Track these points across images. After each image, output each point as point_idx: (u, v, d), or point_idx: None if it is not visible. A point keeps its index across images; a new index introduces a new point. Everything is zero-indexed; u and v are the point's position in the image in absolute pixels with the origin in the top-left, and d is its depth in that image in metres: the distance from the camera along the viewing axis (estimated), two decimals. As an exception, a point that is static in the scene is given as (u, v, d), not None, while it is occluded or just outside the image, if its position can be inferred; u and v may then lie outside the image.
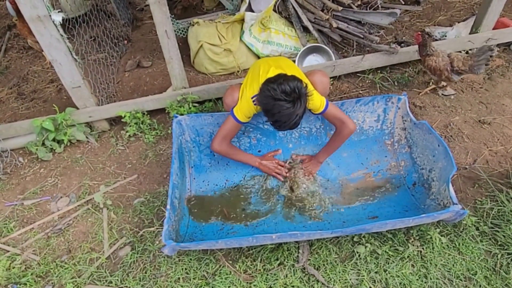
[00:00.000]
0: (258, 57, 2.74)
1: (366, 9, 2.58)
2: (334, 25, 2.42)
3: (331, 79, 2.46)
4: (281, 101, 1.41)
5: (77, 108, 2.18)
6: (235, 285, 1.51)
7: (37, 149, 2.14)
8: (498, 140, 2.03)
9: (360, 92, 2.41)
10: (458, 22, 2.78)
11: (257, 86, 1.57)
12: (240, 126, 1.76)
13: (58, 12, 1.78)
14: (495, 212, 1.66)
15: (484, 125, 2.11)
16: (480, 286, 1.45)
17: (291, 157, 1.95)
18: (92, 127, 2.31)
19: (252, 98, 1.63)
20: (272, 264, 1.56)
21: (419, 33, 2.13)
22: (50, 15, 1.75)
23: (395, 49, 2.33)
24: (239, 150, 1.88)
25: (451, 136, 2.07)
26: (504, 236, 1.58)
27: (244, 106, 1.67)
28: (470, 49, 2.48)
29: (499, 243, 1.57)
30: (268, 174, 1.88)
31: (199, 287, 1.51)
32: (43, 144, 2.16)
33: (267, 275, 1.53)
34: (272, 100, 1.43)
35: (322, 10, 2.49)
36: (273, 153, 1.95)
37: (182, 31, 2.87)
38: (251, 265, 1.57)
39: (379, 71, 2.49)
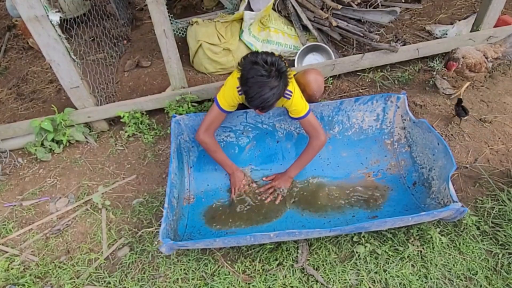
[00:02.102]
0: (258, 56, 2.72)
1: (366, 7, 2.57)
2: (334, 23, 2.41)
3: (331, 78, 2.45)
4: (258, 66, 1.42)
5: (76, 109, 2.18)
6: (234, 285, 1.50)
7: (36, 149, 2.13)
8: (499, 138, 2.01)
9: (360, 91, 2.40)
10: (459, 20, 2.76)
11: None
12: (224, 115, 1.72)
13: (56, 12, 1.78)
14: (496, 211, 1.65)
15: (485, 124, 2.10)
16: (480, 286, 1.44)
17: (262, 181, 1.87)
18: (91, 127, 2.30)
19: (237, 87, 1.61)
20: (271, 265, 1.55)
21: (452, 63, 2.09)
22: (47, 15, 1.75)
23: (395, 48, 2.31)
24: (221, 151, 1.81)
25: (451, 135, 2.06)
26: (505, 235, 1.56)
27: (228, 94, 1.66)
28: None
29: (500, 242, 1.55)
30: (232, 186, 1.81)
31: (198, 287, 1.51)
32: (42, 144, 2.16)
33: (266, 275, 1.52)
34: (250, 64, 1.44)
35: (322, 9, 2.47)
36: (249, 181, 1.86)
37: (181, 30, 2.86)
38: (250, 265, 1.56)
39: (379, 70, 2.48)
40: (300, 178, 1.89)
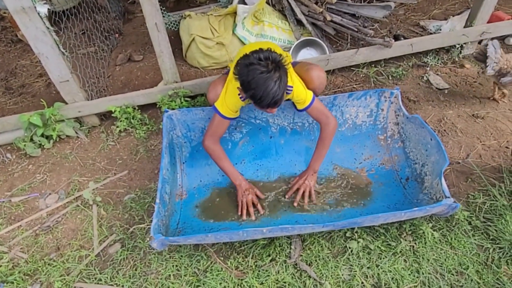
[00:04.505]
0: (251, 51, 2.69)
1: (361, 2, 2.55)
2: (328, 18, 2.39)
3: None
4: (255, 65, 1.38)
5: (66, 103, 2.14)
6: (226, 281, 1.49)
7: (25, 145, 2.09)
8: (491, 134, 2.02)
9: (354, 86, 2.39)
10: (453, 16, 2.77)
11: None
12: (228, 122, 1.69)
13: (44, 3, 1.73)
14: (487, 206, 1.66)
15: (477, 120, 2.11)
16: (471, 280, 1.45)
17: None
18: (81, 122, 2.26)
19: (239, 94, 1.58)
20: (264, 260, 1.55)
21: None
22: (35, 7, 1.70)
23: (389, 43, 2.30)
24: (228, 159, 1.74)
25: (444, 130, 2.06)
26: (496, 230, 1.57)
27: (230, 101, 1.61)
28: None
29: (491, 237, 1.57)
30: (238, 201, 1.71)
31: (190, 284, 1.50)
32: (31, 139, 2.12)
33: (259, 271, 1.52)
34: (246, 68, 1.39)
35: (316, 3, 2.45)
36: (259, 193, 1.76)
37: (174, 24, 2.82)
38: (242, 261, 1.56)
39: (373, 65, 2.47)
40: (294, 174, 1.88)
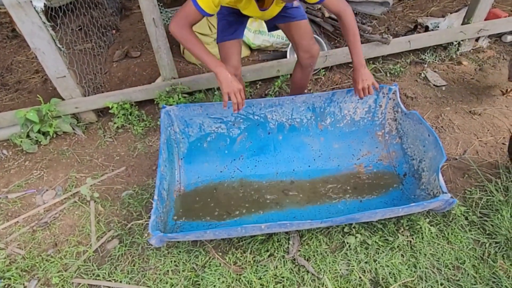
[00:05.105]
0: (249, 47, 2.70)
1: (359, -1, 2.55)
2: (326, 14, 2.39)
3: (323, 70, 2.44)
4: None
5: (63, 99, 2.13)
6: (224, 277, 1.49)
7: (21, 141, 2.08)
8: (488, 131, 2.03)
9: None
10: (451, 13, 2.77)
11: None
12: (201, 17, 1.38)
13: (40, -2, 1.72)
14: (484, 202, 1.67)
15: (474, 116, 2.12)
16: (468, 274, 1.46)
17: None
18: (78, 118, 2.25)
19: None
20: (262, 256, 1.55)
21: None
22: (31, 1, 1.68)
23: (387, 40, 2.31)
24: (203, 44, 1.39)
25: (442, 127, 2.07)
26: (492, 225, 1.59)
27: None
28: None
29: (487, 232, 1.58)
30: (224, 94, 1.43)
31: (189, 279, 1.50)
32: (28, 136, 2.11)
33: (257, 266, 1.52)
34: None
35: (314, -1, 2.45)
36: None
37: (172, 20, 2.80)
38: (241, 256, 1.56)
39: (371, 62, 2.47)
40: (292, 170, 1.88)
